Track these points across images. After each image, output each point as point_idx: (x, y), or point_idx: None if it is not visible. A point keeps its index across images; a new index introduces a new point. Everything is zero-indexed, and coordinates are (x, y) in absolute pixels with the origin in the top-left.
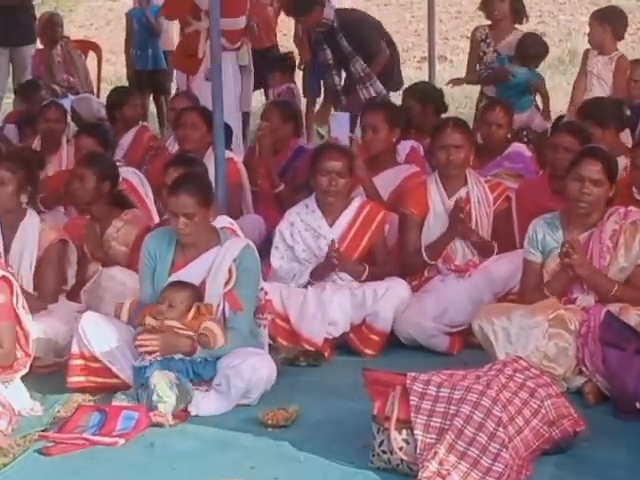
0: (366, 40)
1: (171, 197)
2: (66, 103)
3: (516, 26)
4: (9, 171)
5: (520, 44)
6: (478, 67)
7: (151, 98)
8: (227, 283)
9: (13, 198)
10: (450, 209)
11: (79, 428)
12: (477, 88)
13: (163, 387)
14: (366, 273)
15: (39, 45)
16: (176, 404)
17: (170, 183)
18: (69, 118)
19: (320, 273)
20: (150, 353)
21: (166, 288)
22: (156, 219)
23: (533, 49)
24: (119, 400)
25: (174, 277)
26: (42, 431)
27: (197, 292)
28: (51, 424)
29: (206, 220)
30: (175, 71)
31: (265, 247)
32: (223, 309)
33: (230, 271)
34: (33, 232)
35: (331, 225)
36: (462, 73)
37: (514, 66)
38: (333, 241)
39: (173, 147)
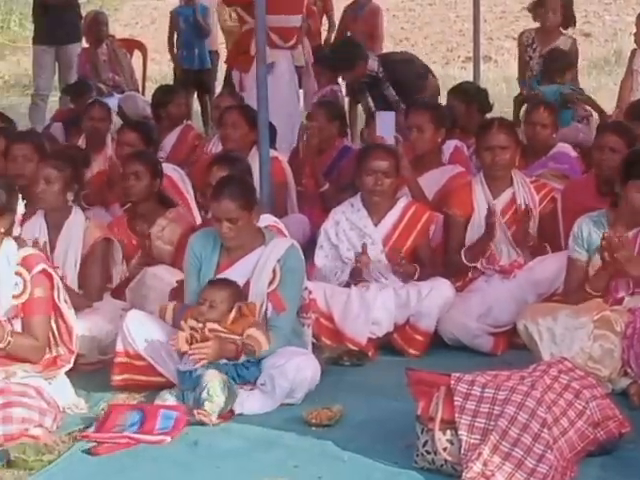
0: (413, 84)
1: (214, 202)
2: (112, 102)
3: (562, 30)
4: (56, 169)
5: (544, 62)
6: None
7: (195, 97)
8: (271, 283)
9: (60, 196)
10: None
11: (118, 427)
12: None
13: (215, 386)
14: (417, 273)
15: (85, 44)
16: (224, 406)
17: (213, 187)
18: (114, 117)
19: (354, 274)
20: (199, 360)
21: (206, 287)
22: (197, 216)
23: (557, 64)
24: (163, 399)
25: (219, 277)
26: (83, 429)
27: (238, 290)
28: (95, 421)
29: (250, 223)
30: (232, 71)
31: (309, 246)
32: (266, 309)
33: (274, 271)
34: (78, 230)
35: (376, 225)
36: (507, 73)
37: (542, 87)
38: (364, 245)
39: (217, 146)
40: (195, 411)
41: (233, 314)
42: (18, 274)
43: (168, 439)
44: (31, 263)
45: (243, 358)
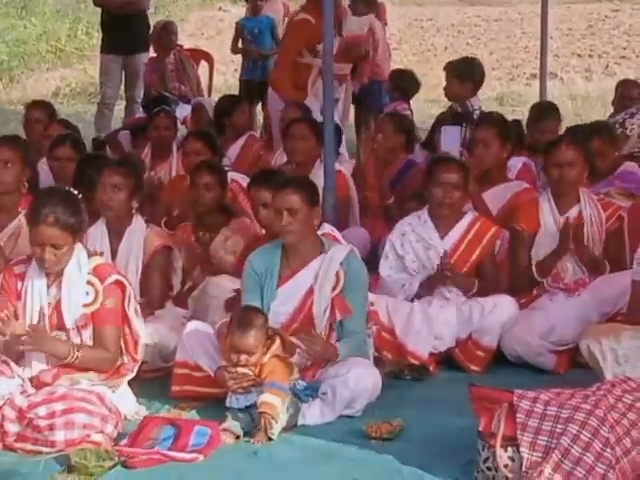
0: None
1: (276, 193)
2: (182, 111)
3: None
4: (122, 177)
5: None
6: None
7: (259, 109)
8: (335, 288)
9: (126, 204)
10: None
11: (150, 441)
12: (588, 104)
13: (276, 411)
14: (476, 287)
15: (152, 53)
16: (286, 424)
17: (278, 179)
18: (180, 125)
19: (430, 285)
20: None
21: (230, 334)
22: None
23: None
24: (230, 425)
25: (281, 290)
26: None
27: (263, 317)
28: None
29: (310, 221)
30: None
31: (369, 260)
32: (331, 314)
33: (337, 275)
34: (139, 238)
35: (442, 237)
36: (572, 91)
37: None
38: (446, 252)
39: (282, 158)
40: (253, 440)
41: (268, 355)
42: (90, 283)
43: (201, 457)
44: (103, 273)
45: (299, 378)
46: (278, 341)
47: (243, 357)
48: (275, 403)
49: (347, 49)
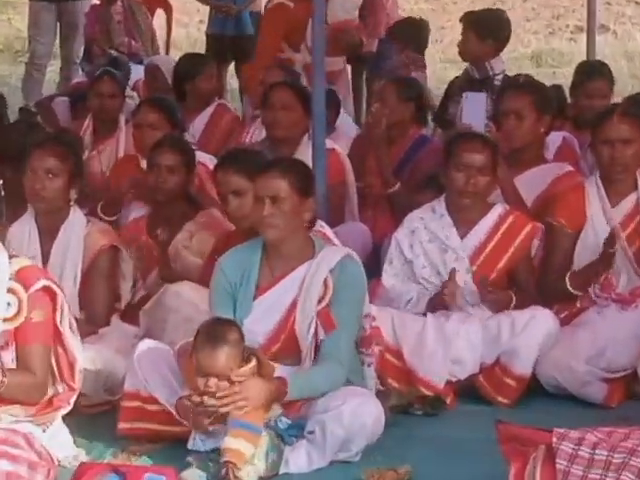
0: None
1: (259, 178)
2: (133, 73)
3: None
4: (58, 159)
5: None
6: None
7: (232, 69)
8: (321, 300)
9: (62, 194)
10: (612, 221)
11: None
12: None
13: (243, 459)
14: (514, 303)
15: (95, 0)
16: (266, 472)
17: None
18: (130, 91)
19: (440, 304)
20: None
21: (196, 352)
22: None
23: None
24: (191, 475)
25: (259, 302)
26: None
27: (238, 331)
28: None
29: (298, 215)
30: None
31: (370, 263)
32: (315, 332)
33: (325, 284)
34: (78, 236)
35: (463, 236)
36: (629, 47)
37: None
38: (453, 270)
39: (260, 133)
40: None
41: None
42: (11, 291)
43: None
44: (28, 278)
45: (280, 416)
46: (253, 362)
47: (212, 382)
48: (241, 449)
49: (335, 39)
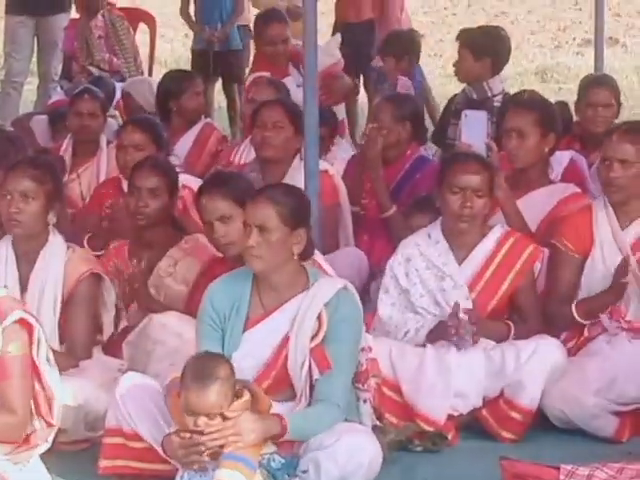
0: None
1: (249, 203)
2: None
3: None
4: (35, 181)
5: None
6: None
7: (220, 87)
8: (315, 336)
9: (40, 218)
10: (624, 247)
11: None
12: None
13: None
14: (512, 334)
15: (74, 14)
16: None
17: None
18: (113, 110)
19: (441, 335)
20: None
21: (184, 389)
22: None
23: None
24: None
25: (249, 336)
26: None
27: (228, 366)
28: None
29: (285, 246)
30: None
31: (368, 289)
32: (309, 370)
33: (320, 319)
34: (57, 263)
35: (461, 262)
36: (638, 61)
37: None
38: (457, 304)
39: (248, 153)
40: None
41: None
42: None
43: None
44: (3, 309)
45: (273, 452)
46: (247, 396)
47: (202, 421)
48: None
49: (328, 87)
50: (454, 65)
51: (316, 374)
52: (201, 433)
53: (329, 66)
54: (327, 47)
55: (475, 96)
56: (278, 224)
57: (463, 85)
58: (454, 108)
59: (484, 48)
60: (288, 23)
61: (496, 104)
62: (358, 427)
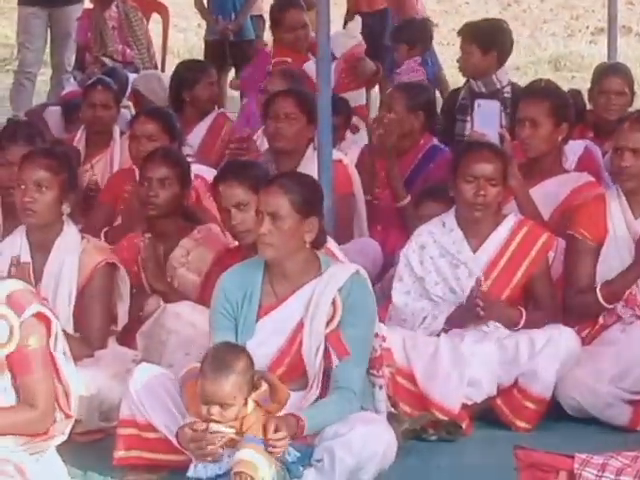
0: None
1: (262, 191)
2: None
3: None
4: (50, 171)
5: None
6: None
7: (233, 76)
8: (330, 321)
9: (54, 208)
10: (637, 235)
11: None
12: None
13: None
14: (523, 320)
15: (87, 4)
16: None
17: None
18: (126, 101)
19: (461, 319)
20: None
21: (202, 378)
22: None
23: None
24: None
25: (262, 324)
26: None
27: (247, 357)
28: None
29: (297, 234)
30: None
31: (382, 279)
32: (325, 357)
33: (334, 305)
34: (72, 254)
35: (475, 250)
36: None
37: None
38: (479, 280)
39: (262, 143)
40: None
41: (251, 410)
42: (1, 317)
43: None
44: (20, 303)
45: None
46: (264, 387)
47: (215, 410)
48: (257, 463)
49: (351, 70)
50: (458, 61)
51: (335, 360)
52: (214, 422)
53: (351, 47)
54: (348, 29)
55: (484, 89)
56: (290, 212)
57: None
58: (459, 104)
59: (490, 42)
60: (304, 8)
61: (506, 95)
62: (373, 416)
